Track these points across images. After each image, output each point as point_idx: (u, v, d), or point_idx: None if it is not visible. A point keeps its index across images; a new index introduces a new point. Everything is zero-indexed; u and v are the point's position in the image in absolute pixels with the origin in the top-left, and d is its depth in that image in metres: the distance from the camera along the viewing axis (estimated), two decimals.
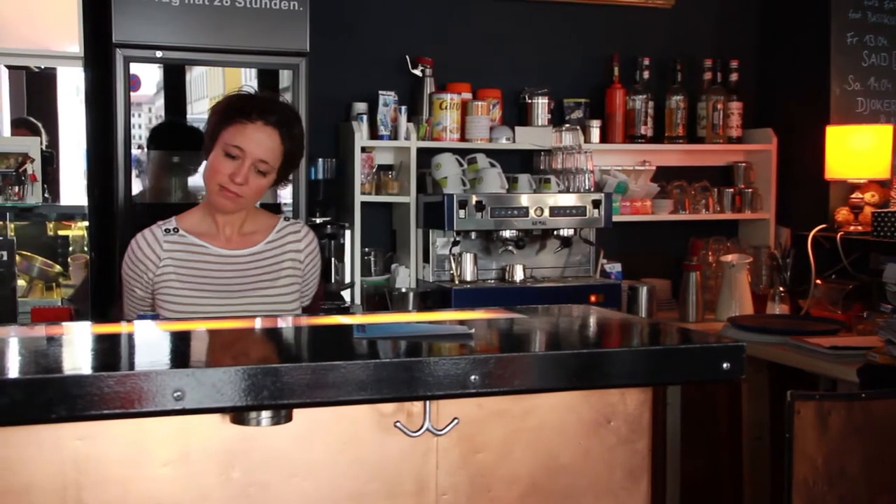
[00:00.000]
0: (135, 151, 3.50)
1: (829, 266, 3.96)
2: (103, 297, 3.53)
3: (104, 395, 1.34)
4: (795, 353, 3.24)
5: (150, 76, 3.72)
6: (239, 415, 1.50)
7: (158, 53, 3.39)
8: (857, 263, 3.86)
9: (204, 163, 2.39)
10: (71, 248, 3.81)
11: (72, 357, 1.67)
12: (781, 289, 3.96)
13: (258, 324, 2.08)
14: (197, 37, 3.40)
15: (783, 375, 3.37)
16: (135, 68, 3.42)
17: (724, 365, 1.64)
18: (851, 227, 3.95)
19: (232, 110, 2.32)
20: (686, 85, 4.34)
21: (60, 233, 3.79)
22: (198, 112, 3.91)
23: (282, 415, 1.51)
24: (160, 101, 3.79)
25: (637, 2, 4.43)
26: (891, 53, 4.28)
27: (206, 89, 3.92)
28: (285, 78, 3.60)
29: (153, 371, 1.38)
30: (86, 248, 3.66)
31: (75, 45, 3.42)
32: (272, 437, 1.54)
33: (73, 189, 3.76)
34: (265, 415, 1.50)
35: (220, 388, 1.39)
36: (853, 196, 4.00)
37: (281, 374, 1.42)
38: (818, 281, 3.90)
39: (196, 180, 3.81)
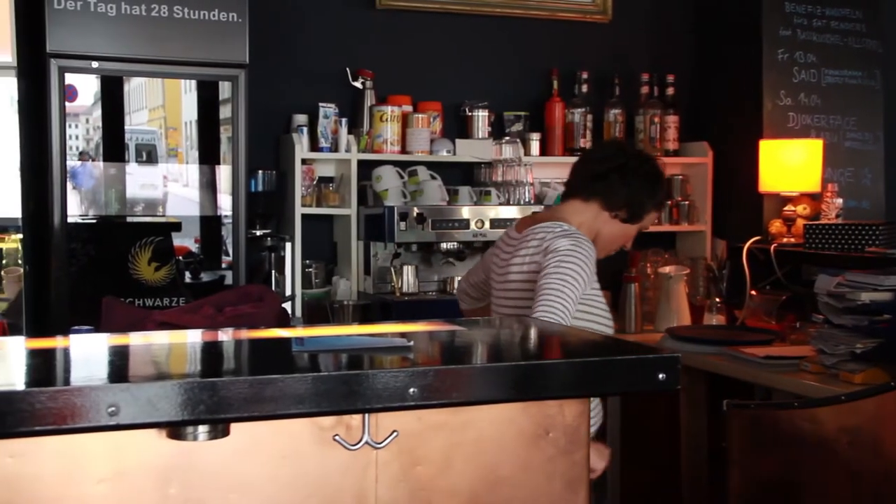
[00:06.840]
0: (71, 163, 3.45)
1: (763, 277, 4.03)
2: (38, 310, 3.47)
3: (35, 411, 1.32)
4: (732, 363, 3.29)
5: (87, 87, 3.67)
6: (175, 429, 1.48)
7: (94, 64, 3.35)
8: (791, 274, 3.93)
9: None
10: (4, 262, 3.73)
11: (5, 372, 1.63)
12: (718, 300, 4.02)
13: (196, 337, 2.06)
14: (134, 48, 3.37)
15: (720, 385, 3.42)
16: (71, 79, 3.37)
17: (660, 376, 1.65)
18: (784, 239, 4.02)
19: (664, 199, 2.58)
20: (624, 99, 4.40)
21: None
22: (136, 123, 3.86)
23: (219, 429, 1.49)
24: (97, 112, 3.74)
25: (576, 17, 4.48)
26: (819, 70, 4.38)
27: (144, 100, 3.88)
28: (225, 89, 3.58)
29: (86, 386, 1.36)
30: (20, 262, 3.59)
31: (8, 55, 3.35)
32: (210, 453, 1.53)
33: (6, 201, 3.68)
34: (202, 429, 1.48)
35: (155, 402, 1.38)
36: (786, 209, 4.07)
37: (218, 388, 1.41)
38: (753, 292, 3.97)
39: (134, 191, 3.77)
